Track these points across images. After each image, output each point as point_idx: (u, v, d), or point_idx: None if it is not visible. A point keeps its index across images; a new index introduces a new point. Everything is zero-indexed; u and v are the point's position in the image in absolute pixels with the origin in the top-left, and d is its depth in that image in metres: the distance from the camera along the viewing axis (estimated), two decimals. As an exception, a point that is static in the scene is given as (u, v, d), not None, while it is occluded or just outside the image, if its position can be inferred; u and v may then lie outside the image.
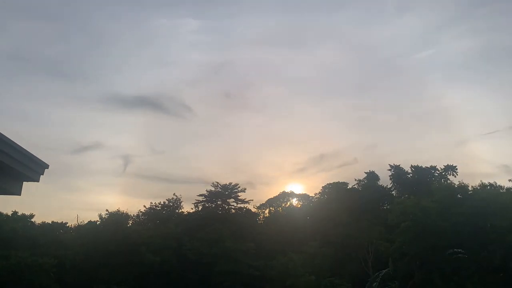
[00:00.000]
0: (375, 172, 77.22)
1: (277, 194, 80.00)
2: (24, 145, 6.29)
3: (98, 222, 60.24)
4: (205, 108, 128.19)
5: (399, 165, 75.37)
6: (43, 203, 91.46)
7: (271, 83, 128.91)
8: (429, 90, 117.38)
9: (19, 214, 60.59)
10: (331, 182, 78.47)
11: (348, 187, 76.52)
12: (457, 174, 73.05)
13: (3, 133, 5.94)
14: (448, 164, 74.23)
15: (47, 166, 7.12)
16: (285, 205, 78.87)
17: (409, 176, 74.71)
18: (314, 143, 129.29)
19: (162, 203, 72.37)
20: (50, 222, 63.57)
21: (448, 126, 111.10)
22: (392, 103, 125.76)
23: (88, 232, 58.29)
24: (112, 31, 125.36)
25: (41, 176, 7.18)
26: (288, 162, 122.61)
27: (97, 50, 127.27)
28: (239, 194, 71.65)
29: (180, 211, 73.18)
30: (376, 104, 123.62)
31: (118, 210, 60.72)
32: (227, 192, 71.39)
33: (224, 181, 71.54)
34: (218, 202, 71.64)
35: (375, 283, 48.44)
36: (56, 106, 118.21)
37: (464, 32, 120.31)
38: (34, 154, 6.72)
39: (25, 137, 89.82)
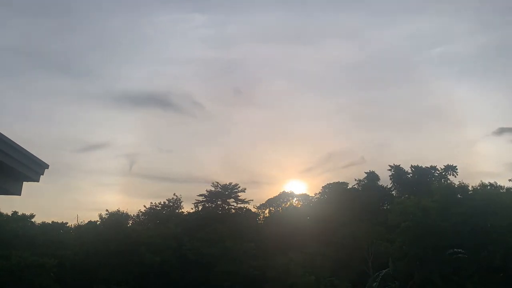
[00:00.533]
0: (375, 172, 77.32)
1: (277, 194, 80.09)
2: (29, 144, 6.31)
3: (98, 222, 60.26)
4: (212, 105, 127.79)
5: (399, 165, 75.47)
6: (44, 203, 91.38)
7: (279, 80, 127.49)
8: (434, 88, 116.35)
9: (19, 214, 60.56)
10: (331, 182, 78.66)
11: (348, 187, 76.54)
12: (457, 174, 73.16)
13: (5, 132, 5.95)
14: (448, 164, 74.30)
15: (47, 166, 7.13)
16: (285, 205, 78.86)
17: (409, 176, 74.73)
18: (322, 142, 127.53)
19: (162, 203, 72.42)
20: (50, 222, 63.60)
21: (453, 125, 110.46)
22: (397, 101, 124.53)
23: (88, 232, 58.31)
24: (119, 27, 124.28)
25: (41, 176, 7.19)
26: (296, 161, 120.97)
27: (104, 46, 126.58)
28: (239, 194, 71.78)
29: (180, 211, 73.22)
30: (382, 103, 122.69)
31: (118, 210, 60.78)
32: (227, 192, 71.47)
33: (229, 180, 71.69)
34: (218, 202, 71.72)
35: (375, 283, 48.44)
36: (62, 104, 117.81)
37: (470, 30, 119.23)
38: (39, 153, 6.73)
39: (29, 135, 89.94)
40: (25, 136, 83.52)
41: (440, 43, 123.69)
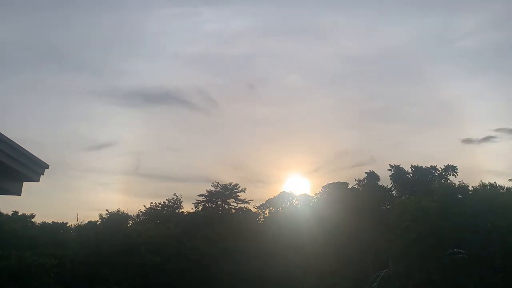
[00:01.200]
0: (375, 172, 77.28)
1: (277, 194, 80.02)
2: (31, 143, 6.33)
3: (98, 222, 60.27)
4: (223, 102, 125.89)
5: (399, 165, 75.40)
6: (44, 203, 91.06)
7: (290, 76, 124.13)
8: (440, 87, 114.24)
9: (19, 214, 60.57)
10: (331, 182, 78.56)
11: (348, 187, 76.53)
12: (457, 174, 73.01)
13: (7, 131, 5.96)
14: (448, 164, 74.26)
15: (47, 166, 7.14)
16: (285, 205, 78.81)
17: (409, 176, 74.70)
18: (331, 141, 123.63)
19: (162, 203, 72.46)
20: (50, 222, 63.59)
21: (457, 123, 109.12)
22: (405, 100, 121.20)
23: (88, 232, 58.32)
24: (124, 22, 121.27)
25: (41, 176, 7.20)
26: (303, 160, 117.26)
27: (108, 42, 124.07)
28: (239, 194, 71.81)
29: (180, 211, 73.22)
30: (392, 102, 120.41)
31: (118, 210, 60.79)
32: (227, 192, 71.52)
33: (236, 179, 71.74)
34: (218, 202, 71.74)
35: (375, 283, 48.47)
36: (64, 102, 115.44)
37: (477, 28, 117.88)
38: (41, 152, 6.75)
39: (32, 134, 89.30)
40: (27, 135, 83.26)
41: (447, 42, 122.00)
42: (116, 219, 58.41)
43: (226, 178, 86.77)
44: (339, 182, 77.53)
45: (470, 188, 54.88)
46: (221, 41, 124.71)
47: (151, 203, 72.44)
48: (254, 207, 76.06)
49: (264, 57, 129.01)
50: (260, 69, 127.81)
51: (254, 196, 73.29)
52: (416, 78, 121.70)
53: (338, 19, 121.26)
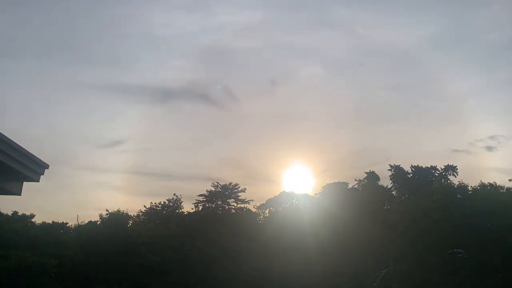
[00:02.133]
0: (375, 172, 77.31)
1: (277, 194, 79.99)
2: (32, 142, 6.33)
3: (98, 222, 60.25)
4: (228, 97, 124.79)
5: (399, 165, 75.48)
6: (44, 203, 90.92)
7: (304, 71, 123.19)
8: (447, 86, 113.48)
9: (19, 214, 60.58)
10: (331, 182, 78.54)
11: (349, 187, 76.54)
12: (457, 174, 73.14)
13: (6, 130, 5.97)
14: (448, 164, 74.33)
15: (47, 166, 7.15)
16: (285, 205, 78.77)
17: (409, 176, 74.74)
18: (343, 140, 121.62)
19: (162, 203, 72.48)
20: (50, 222, 63.56)
21: (461, 123, 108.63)
22: (414, 99, 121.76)
23: (88, 232, 58.29)
24: (138, 16, 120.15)
25: (41, 176, 7.20)
26: (314, 160, 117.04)
27: (110, 36, 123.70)
28: (239, 194, 71.79)
29: (180, 211, 73.23)
30: (403, 102, 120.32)
31: (118, 210, 60.75)
32: (227, 192, 71.50)
33: (242, 178, 71.67)
34: (218, 202, 71.73)
35: (375, 283, 48.48)
36: (65, 99, 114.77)
37: (479, 27, 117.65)
38: (42, 152, 6.75)
39: (33, 133, 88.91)
40: (29, 133, 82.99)
41: (456, 38, 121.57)
42: (116, 219, 58.35)
43: (229, 176, 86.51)
44: (339, 182, 77.62)
45: (470, 188, 54.92)
46: (233, 34, 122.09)
47: (151, 203, 72.56)
48: (254, 207, 76.14)
49: (277, 51, 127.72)
50: (275, 63, 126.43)
51: (261, 195, 73.17)
52: (429, 74, 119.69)
53: (356, 11, 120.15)
